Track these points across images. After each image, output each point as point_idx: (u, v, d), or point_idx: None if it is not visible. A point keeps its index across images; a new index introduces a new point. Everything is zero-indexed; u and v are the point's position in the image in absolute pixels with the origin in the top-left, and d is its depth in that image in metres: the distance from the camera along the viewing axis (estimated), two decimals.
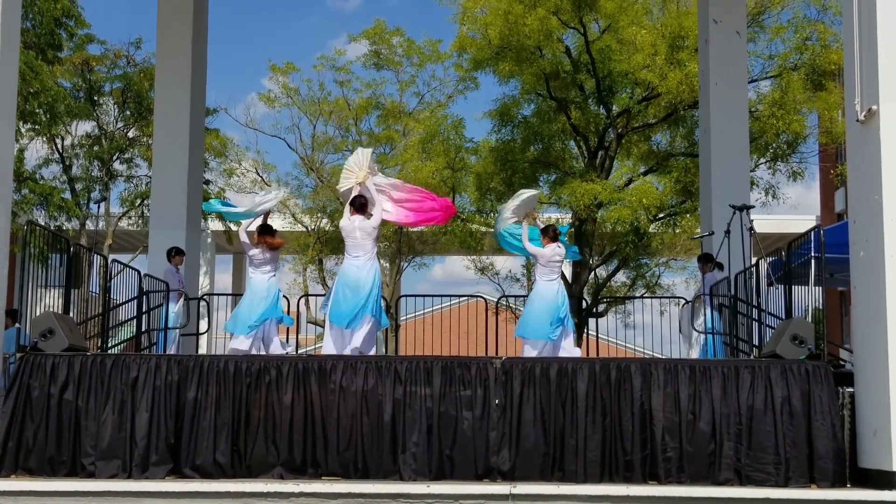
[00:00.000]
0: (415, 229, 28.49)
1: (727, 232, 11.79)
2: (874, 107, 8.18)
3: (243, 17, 60.74)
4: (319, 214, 30.86)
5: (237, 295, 22.17)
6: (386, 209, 11.01)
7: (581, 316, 24.30)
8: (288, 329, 14.36)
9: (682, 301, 15.46)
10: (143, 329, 13.61)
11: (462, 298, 29.75)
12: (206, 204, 13.70)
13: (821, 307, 11.28)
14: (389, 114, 31.50)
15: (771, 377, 8.49)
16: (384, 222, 11.29)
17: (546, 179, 25.51)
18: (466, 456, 8.46)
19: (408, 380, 8.62)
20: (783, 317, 11.05)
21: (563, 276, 26.09)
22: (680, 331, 14.68)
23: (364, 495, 7.86)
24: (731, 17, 15.20)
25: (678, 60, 22.25)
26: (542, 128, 24.26)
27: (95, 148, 27.64)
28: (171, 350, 13.15)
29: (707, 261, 13.51)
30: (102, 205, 28.60)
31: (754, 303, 12.17)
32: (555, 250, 11.24)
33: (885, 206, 8.01)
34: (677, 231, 24.95)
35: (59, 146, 27.71)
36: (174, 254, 14.05)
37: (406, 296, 18.39)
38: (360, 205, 10.81)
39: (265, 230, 11.43)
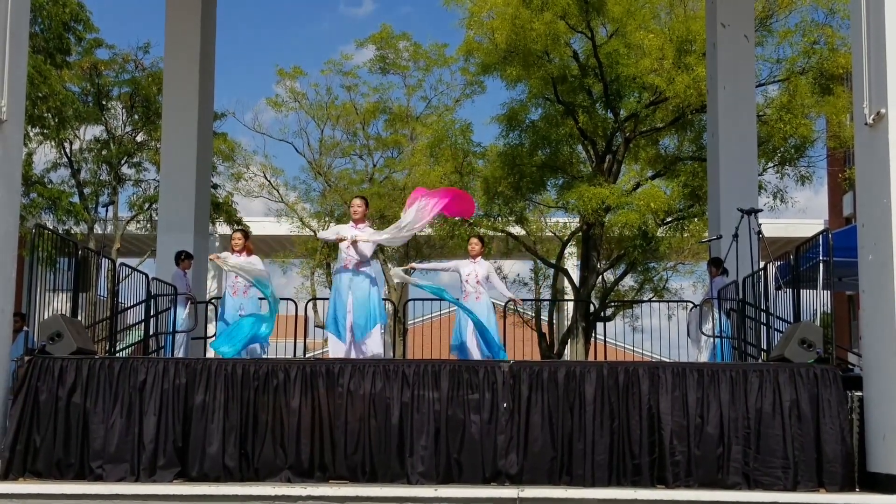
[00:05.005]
0: (422, 233, 28.47)
1: (735, 236, 11.75)
2: (882, 110, 8.16)
3: (256, 26, 60.97)
4: (327, 218, 30.88)
5: None
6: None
7: (589, 320, 24.31)
8: (296, 332, 14.40)
9: (690, 305, 15.41)
10: (151, 333, 13.63)
11: None
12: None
13: (829, 311, 11.25)
14: (397, 118, 31.55)
15: (779, 381, 8.46)
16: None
17: (554, 184, 25.51)
18: (474, 459, 8.45)
19: (416, 383, 8.61)
20: (791, 320, 11.01)
21: (570, 279, 26.34)
22: (688, 335, 14.64)
23: (371, 499, 7.85)
24: (738, 20, 15.17)
25: (686, 64, 22.23)
26: (550, 132, 24.24)
27: (104, 152, 27.76)
28: (179, 354, 13.14)
29: (717, 265, 13.48)
30: (110, 209, 28.79)
31: (762, 306, 12.14)
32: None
33: (894, 209, 7.98)
34: (685, 235, 24.93)
35: (68, 150, 27.84)
36: (183, 258, 14.03)
37: (414, 300, 18.39)
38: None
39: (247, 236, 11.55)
